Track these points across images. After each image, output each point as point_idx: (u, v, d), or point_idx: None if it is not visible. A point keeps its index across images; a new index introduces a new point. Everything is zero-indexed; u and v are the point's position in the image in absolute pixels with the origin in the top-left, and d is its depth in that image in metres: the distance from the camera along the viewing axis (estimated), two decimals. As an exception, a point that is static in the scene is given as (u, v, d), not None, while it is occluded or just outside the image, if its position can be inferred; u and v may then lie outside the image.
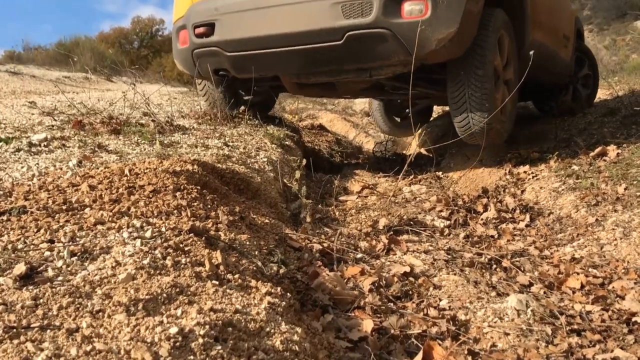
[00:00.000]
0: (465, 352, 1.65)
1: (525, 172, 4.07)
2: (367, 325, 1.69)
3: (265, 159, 3.56)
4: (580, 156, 4.07)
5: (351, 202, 3.73)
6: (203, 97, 4.71)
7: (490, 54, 3.57)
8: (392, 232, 2.86)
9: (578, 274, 2.29)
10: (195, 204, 1.98)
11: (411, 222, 3.04)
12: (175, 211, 1.85)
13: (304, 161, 3.43)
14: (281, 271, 1.81)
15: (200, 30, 3.66)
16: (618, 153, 3.91)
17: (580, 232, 2.83)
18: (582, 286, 2.21)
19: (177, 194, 1.99)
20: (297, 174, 3.37)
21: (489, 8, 3.60)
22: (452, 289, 2.15)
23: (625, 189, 3.18)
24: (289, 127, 5.47)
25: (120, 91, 7.49)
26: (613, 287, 2.18)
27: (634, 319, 1.88)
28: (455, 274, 2.31)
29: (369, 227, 2.84)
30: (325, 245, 2.40)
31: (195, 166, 2.50)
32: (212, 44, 3.66)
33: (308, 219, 2.57)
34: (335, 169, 5.44)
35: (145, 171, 2.13)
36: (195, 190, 2.09)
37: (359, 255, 2.52)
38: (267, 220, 2.43)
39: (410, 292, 2.12)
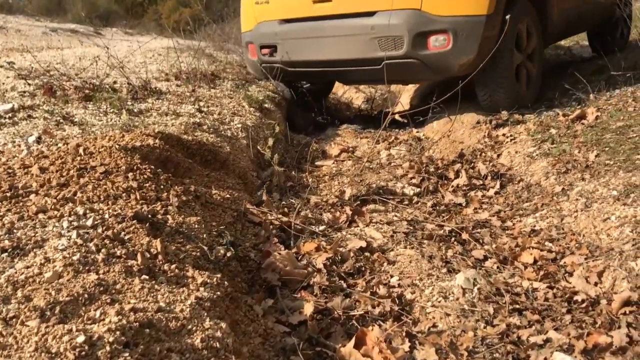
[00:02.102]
0: (404, 334, 1.70)
1: (504, 134, 4.05)
2: (308, 308, 1.73)
3: (240, 125, 3.55)
4: (559, 118, 4.03)
5: (327, 167, 3.74)
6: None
7: (509, 56, 4.09)
8: (358, 202, 2.89)
9: (533, 248, 2.32)
10: (147, 185, 2.00)
11: (380, 191, 3.05)
12: (124, 194, 1.87)
13: (277, 128, 3.42)
14: (228, 254, 1.83)
15: (266, 50, 4.51)
16: (597, 116, 3.87)
17: (545, 202, 2.84)
18: (535, 261, 2.25)
19: (129, 174, 2.01)
20: (270, 142, 3.37)
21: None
22: (406, 264, 2.19)
23: (596, 155, 3.17)
24: (275, 84, 5.44)
25: (106, 46, 7.40)
26: (564, 262, 2.21)
27: (575, 297, 1.92)
28: (412, 248, 2.35)
29: (336, 198, 2.86)
30: (285, 220, 2.43)
31: (157, 140, 2.50)
32: (276, 62, 4.48)
33: (264, 198, 2.58)
34: (320, 128, 5.42)
35: (100, 150, 2.13)
36: (149, 170, 2.10)
37: (322, 228, 2.55)
38: (228, 195, 2.45)
39: (364, 269, 2.16)
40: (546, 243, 2.40)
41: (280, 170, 3.20)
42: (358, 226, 2.59)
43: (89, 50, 5.87)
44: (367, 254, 2.27)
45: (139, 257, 1.45)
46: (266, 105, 4.35)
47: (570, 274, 2.11)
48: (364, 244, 2.30)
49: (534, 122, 4.05)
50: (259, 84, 5.09)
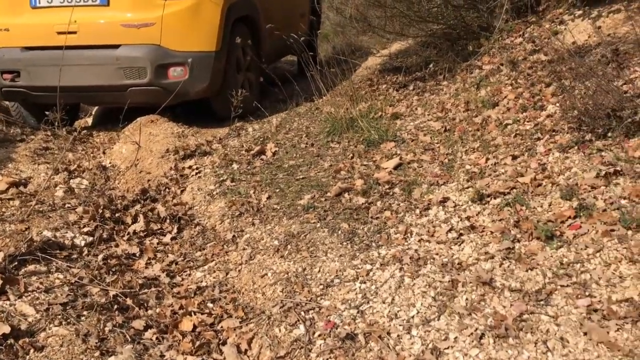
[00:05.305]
0: None
1: (190, 167, 4.07)
2: None
3: None
4: (242, 152, 4.21)
5: (-14, 209, 3.29)
6: (14, 112, 5.46)
7: (234, 69, 4.99)
8: (16, 263, 2.59)
9: (194, 313, 2.36)
10: None
11: (45, 246, 2.79)
12: None
13: None
14: None
15: (8, 75, 4.69)
16: (275, 152, 4.14)
17: (215, 252, 2.93)
18: (195, 327, 2.29)
19: None
20: None
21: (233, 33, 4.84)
22: (56, 349, 2.03)
23: (268, 197, 3.37)
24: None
25: None
26: (221, 327, 2.30)
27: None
28: (68, 324, 2.19)
29: (-16, 262, 2.52)
30: None
31: None
32: (19, 87, 4.71)
33: None
34: None
35: None
36: None
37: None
38: None
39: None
40: (208, 304, 2.47)
41: None
42: (9, 299, 2.32)
43: None
44: (11, 340, 2.04)
45: None
46: None
47: (225, 342, 2.20)
48: (7, 329, 2.06)
49: (219, 155, 4.17)
50: None
